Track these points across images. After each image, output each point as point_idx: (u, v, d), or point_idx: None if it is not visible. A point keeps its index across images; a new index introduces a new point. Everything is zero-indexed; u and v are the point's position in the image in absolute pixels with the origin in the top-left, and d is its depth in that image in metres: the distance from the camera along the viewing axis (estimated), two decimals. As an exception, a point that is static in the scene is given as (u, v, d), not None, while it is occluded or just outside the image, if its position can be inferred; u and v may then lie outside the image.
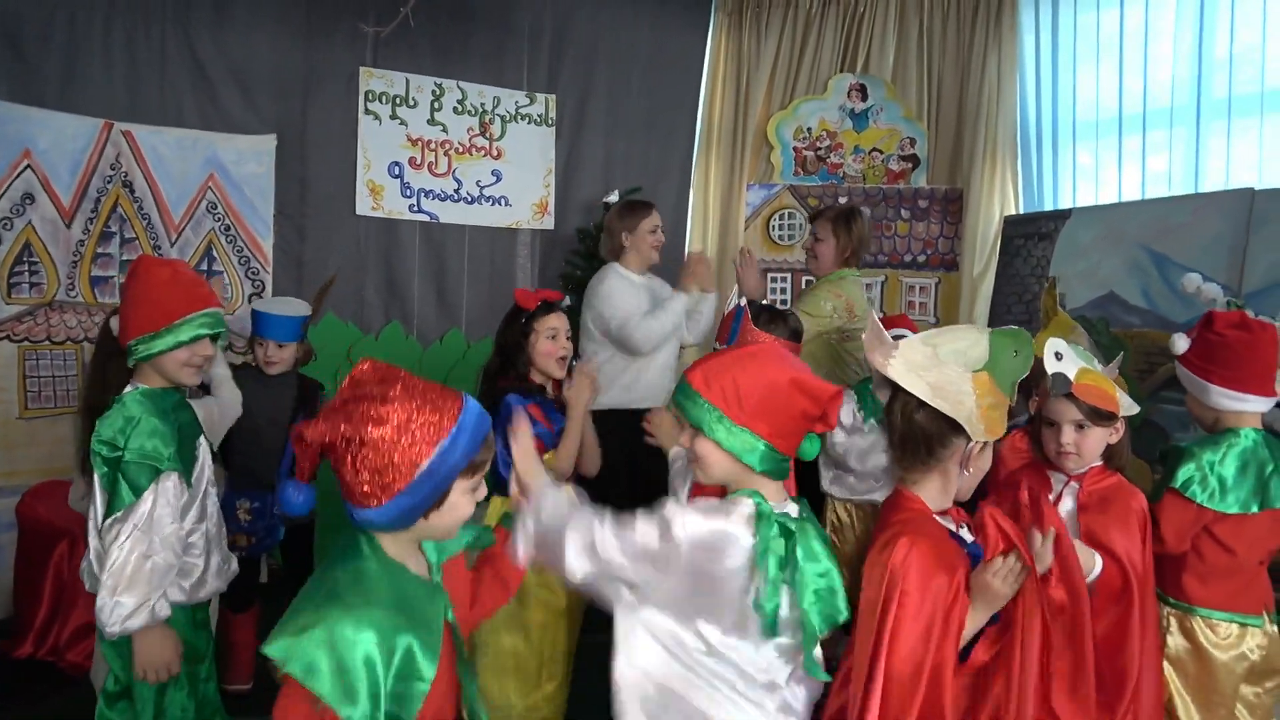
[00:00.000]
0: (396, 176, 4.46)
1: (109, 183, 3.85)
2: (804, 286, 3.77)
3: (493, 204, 4.67)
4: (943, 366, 1.57)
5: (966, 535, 1.66)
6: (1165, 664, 2.18)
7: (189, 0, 3.99)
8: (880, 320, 3.27)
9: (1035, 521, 1.75)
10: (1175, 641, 2.23)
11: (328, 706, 1.22)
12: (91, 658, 3.03)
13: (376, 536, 1.39)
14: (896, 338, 3.41)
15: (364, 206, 4.40)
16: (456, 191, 4.59)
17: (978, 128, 4.73)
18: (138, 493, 1.91)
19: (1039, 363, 2.16)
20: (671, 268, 3.78)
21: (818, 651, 1.53)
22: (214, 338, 2.11)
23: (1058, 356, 2.06)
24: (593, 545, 1.48)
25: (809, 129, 5.05)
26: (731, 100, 5.14)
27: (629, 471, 3.07)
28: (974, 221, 4.75)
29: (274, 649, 1.23)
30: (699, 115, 5.16)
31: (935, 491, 1.65)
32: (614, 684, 1.53)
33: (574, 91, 4.83)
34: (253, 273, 4.19)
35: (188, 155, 4.02)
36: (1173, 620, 2.25)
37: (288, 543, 3.21)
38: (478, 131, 4.62)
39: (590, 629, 2.66)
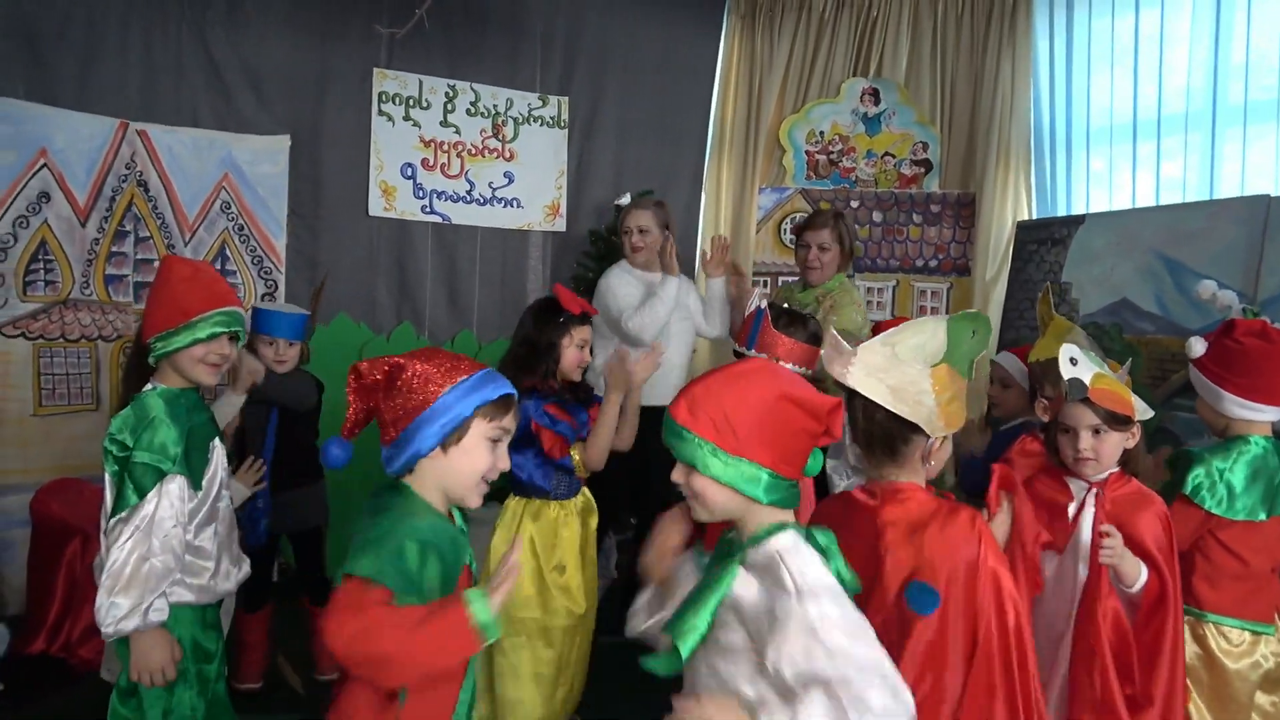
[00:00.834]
0: (409, 178, 4.47)
1: (124, 182, 3.87)
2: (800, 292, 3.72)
3: (505, 206, 4.67)
4: (902, 367, 1.56)
5: None
6: None
7: (205, 1, 4.01)
8: (878, 325, 3.28)
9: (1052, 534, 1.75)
10: (1189, 649, 2.22)
11: (382, 587, 1.39)
12: (103, 654, 3.06)
13: (410, 484, 1.56)
14: None
15: (377, 207, 4.42)
16: (469, 193, 4.60)
17: (991, 132, 4.71)
18: (142, 494, 1.92)
19: (1056, 369, 2.16)
20: (685, 269, 3.82)
21: None
22: (233, 338, 2.12)
23: (1073, 362, 2.05)
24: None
25: (821, 132, 5.05)
26: (744, 103, 5.14)
27: (646, 471, 3.08)
28: (986, 226, 4.73)
29: (356, 566, 1.41)
30: (711, 118, 5.16)
31: (916, 479, 1.65)
32: None
33: (586, 94, 4.84)
34: (265, 272, 4.20)
35: (202, 155, 4.04)
36: (1186, 627, 2.25)
37: (300, 545, 3.22)
38: (490, 133, 4.63)
39: (604, 631, 2.67)
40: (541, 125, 4.75)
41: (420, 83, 4.47)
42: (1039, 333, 4.05)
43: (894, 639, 1.45)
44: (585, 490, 2.71)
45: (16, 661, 3.16)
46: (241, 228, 4.14)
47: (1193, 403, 2.61)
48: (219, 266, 4.09)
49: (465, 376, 1.54)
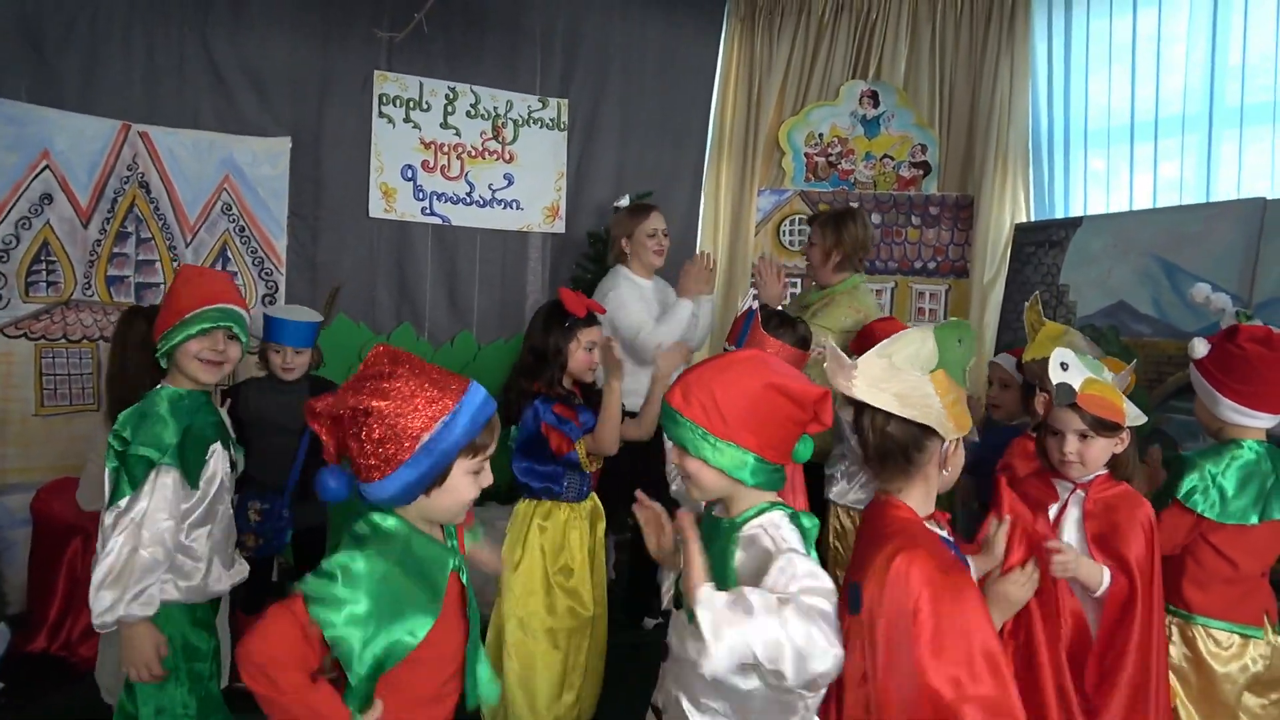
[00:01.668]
0: (409, 179, 4.49)
1: (126, 183, 3.89)
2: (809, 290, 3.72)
3: (504, 207, 4.69)
4: (901, 374, 1.57)
5: (949, 538, 1.67)
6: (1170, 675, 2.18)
7: (207, 3, 4.03)
8: (871, 325, 3.28)
9: (1029, 540, 1.75)
10: (1177, 650, 2.24)
11: (313, 621, 1.34)
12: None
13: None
14: None
15: (377, 209, 4.44)
16: (469, 195, 4.62)
17: (989, 135, 4.73)
18: (135, 485, 1.95)
19: (1046, 371, 2.17)
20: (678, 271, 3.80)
21: None
22: (232, 336, 2.15)
23: (1063, 367, 2.07)
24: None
25: (820, 135, 5.06)
26: (743, 106, 5.16)
27: (641, 476, 3.09)
28: (985, 228, 4.75)
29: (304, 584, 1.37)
30: (711, 120, 5.18)
31: (920, 497, 1.63)
32: None
33: (586, 96, 4.86)
34: (266, 273, 4.23)
35: (203, 157, 4.06)
36: (1175, 629, 2.26)
37: (300, 545, 3.24)
38: (490, 135, 4.65)
39: (617, 630, 2.69)
40: (541, 127, 4.77)
41: (421, 85, 4.49)
42: (1028, 340, 4.10)
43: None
44: (594, 495, 2.73)
45: (18, 660, 3.18)
46: (243, 229, 4.17)
47: (1189, 405, 2.63)
48: (219, 267, 4.11)
49: (445, 414, 1.40)
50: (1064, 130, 4.55)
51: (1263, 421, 2.28)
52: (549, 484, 2.59)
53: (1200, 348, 2.34)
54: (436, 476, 1.44)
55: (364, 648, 1.36)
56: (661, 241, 3.61)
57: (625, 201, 4.40)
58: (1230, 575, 2.24)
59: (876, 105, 5.00)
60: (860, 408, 1.61)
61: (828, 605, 1.38)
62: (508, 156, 4.70)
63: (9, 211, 3.61)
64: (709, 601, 1.33)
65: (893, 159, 5.02)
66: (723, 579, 1.47)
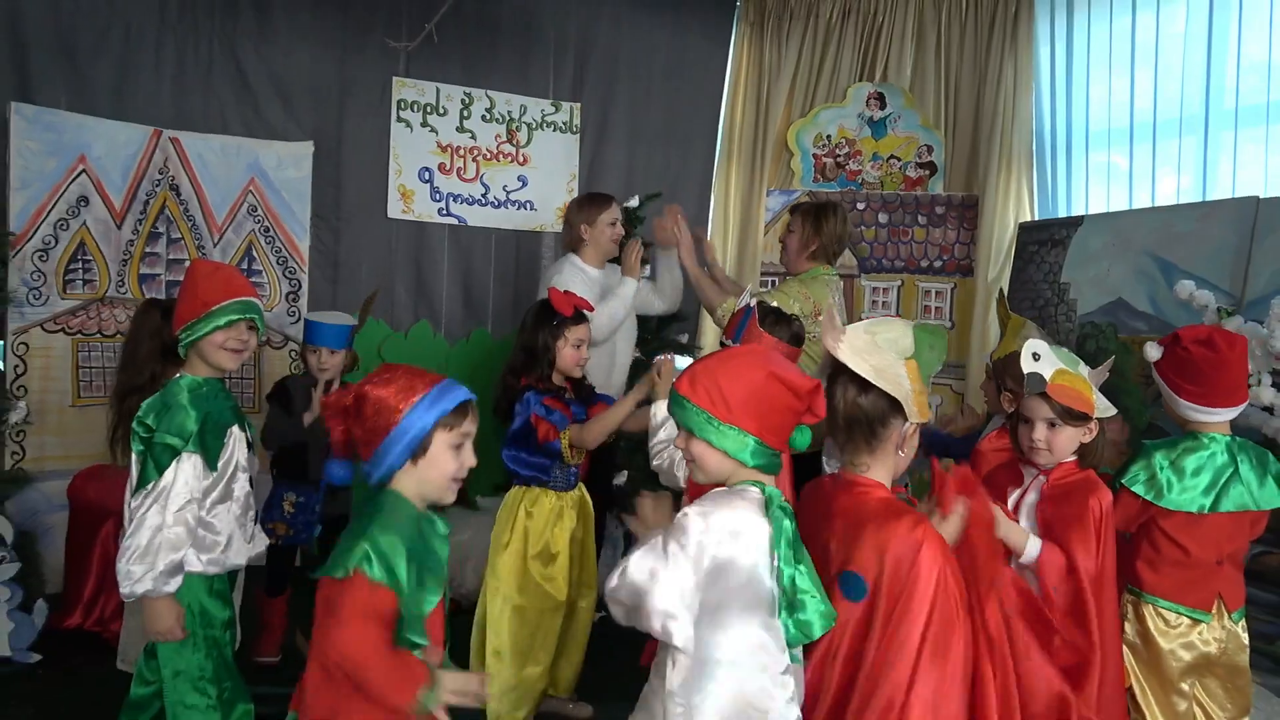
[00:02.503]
0: (427, 181, 4.66)
1: (157, 186, 4.10)
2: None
3: (518, 208, 4.85)
4: (882, 352, 1.70)
5: None
6: (1125, 650, 2.28)
7: (234, 14, 4.23)
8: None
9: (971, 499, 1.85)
10: (1130, 627, 2.33)
11: (375, 582, 1.55)
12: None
13: (392, 490, 1.71)
14: None
15: (395, 210, 4.61)
16: (484, 196, 4.78)
17: (994, 136, 4.81)
18: (160, 471, 2.12)
19: (1016, 364, 2.27)
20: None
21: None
22: (252, 326, 2.31)
23: (1035, 357, 2.16)
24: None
25: (828, 136, 5.16)
26: (752, 108, 5.27)
27: (604, 463, 3.21)
28: (989, 228, 4.82)
29: (330, 569, 1.57)
30: (720, 123, 5.29)
31: (884, 475, 1.74)
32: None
33: (598, 100, 5.00)
34: (290, 272, 4.41)
35: (230, 161, 4.25)
36: (1129, 606, 2.35)
37: (324, 535, 3.41)
38: (505, 138, 4.81)
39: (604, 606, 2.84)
40: (554, 130, 4.92)
41: (437, 90, 4.66)
42: (1051, 328, 4.17)
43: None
44: (582, 486, 2.87)
45: (55, 635, 3.38)
46: (267, 229, 4.35)
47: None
48: (245, 267, 4.31)
49: (421, 395, 1.68)
50: (1066, 131, 4.62)
51: (1220, 416, 2.36)
52: (537, 473, 2.74)
53: (1153, 351, 2.42)
54: (419, 445, 1.67)
55: (410, 598, 1.61)
56: (619, 231, 3.61)
57: (635, 202, 4.53)
58: (1181, 559, 2.32)
59: (883, 107, 5.10)
60: (833, 378, 1.74)
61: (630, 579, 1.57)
62: (521, 159, 4.85)
63: (48, 213, 3.81)
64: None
65: (899, 160, 5.11)
66: None
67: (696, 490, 1.78)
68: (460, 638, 2.47)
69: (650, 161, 5.10)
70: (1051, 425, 2.16)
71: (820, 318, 3.51)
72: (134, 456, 2.18)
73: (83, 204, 3.90)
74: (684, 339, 4.51)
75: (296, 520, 3.28)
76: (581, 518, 2.84)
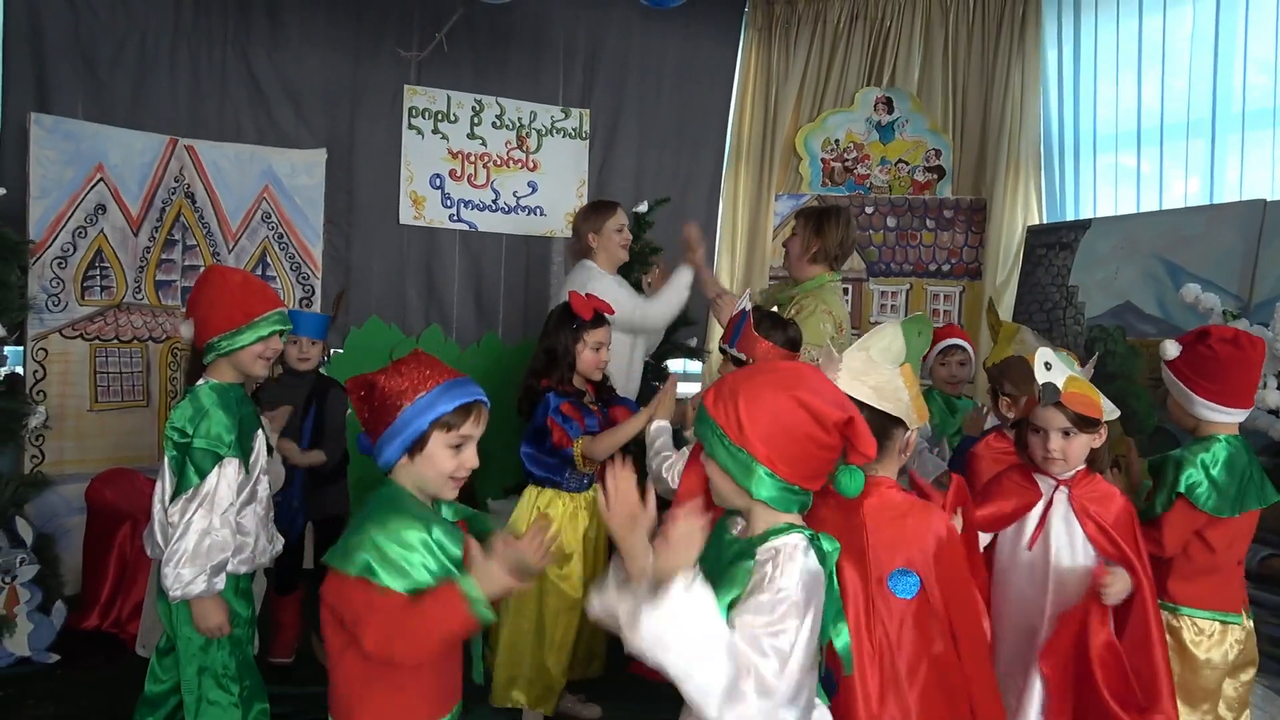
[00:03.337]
0: (438, 188, 4.71)
1: (173, 194, 4.16)
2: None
3: (528, 214, 4.90)
4: (878, 368, 1.72)
5: None
6: None
7: (247, 24, 4.29)
8: (935, 330, 3.43)
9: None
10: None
11: (385, 587, 1.53)
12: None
13: (394, 480, 1.72)
14: (950, 347, 3.51)
15: (407, 216, 4.67)
16: (494, 202, 4.83)
17: (1001, 139, 4.82)
18: (202, 475, 2.17)
19: (1016, 370, 2.28)
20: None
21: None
22: (282, 334, 2.38)
23: (1047, 367, 2.13)
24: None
25: (836, 141, 5.19)
26: (760, 113, 5.30)
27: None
28: (997, 231, 4.84)
29: (333, 558, 1.57)
30: (729, 128, 5.32)
31: (891, 474, 1.78)
32: None
33: (607, 106, 5.04)
34: (303, 278, 4.47)
35: (245, 168, 4.31)
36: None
37: (322, 534, 3.46)
38: (515, 145, 4.86)
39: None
40: (564, 136, 4.96)
41: (448, 98, 4.71)
42: (1058, 332, 4.18)
43: (867, 607, 1.67)
44: (597, 487, 2.90)
45: (72, 636, 3.43)
46: (281, 236, 4.41)
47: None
48: (260, 272, 4.36)
49: (425, 392, 1.65)
50: (1074, 134, 4.63)
51: (1235, 416, 2.38)
52: (550, 474, 2.78)
53: (1171, 349, 2.43)
54: (416, 441, 1.67)
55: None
56: (627, 237, 3.61)
57: (644, 208, 4.55)
58: (1211, 565, 2.33)
59: (891, 111, 5.12)
60: None
61: (763, 664, 1.31)
62: (531, 165, 4.90)
63: (66, 221, 3.88)
64: (676, 594, 1.27)
65: (907, 164, 5.13)
66: (726, 592, 1.41)
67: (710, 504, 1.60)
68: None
69: (659, 167, 5.14)
70: (1066, 434, 2.13)
71: (842, 330, 3.53)
72: (166, 462, 2.23)
73: (100, 212, 3.97)
74: (693, 343, 4.53)
75: (278, 519, 3.28)
76: (595, 518, 2.87)
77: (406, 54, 4.03)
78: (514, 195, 4.87)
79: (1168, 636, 2.33)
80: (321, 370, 3.50)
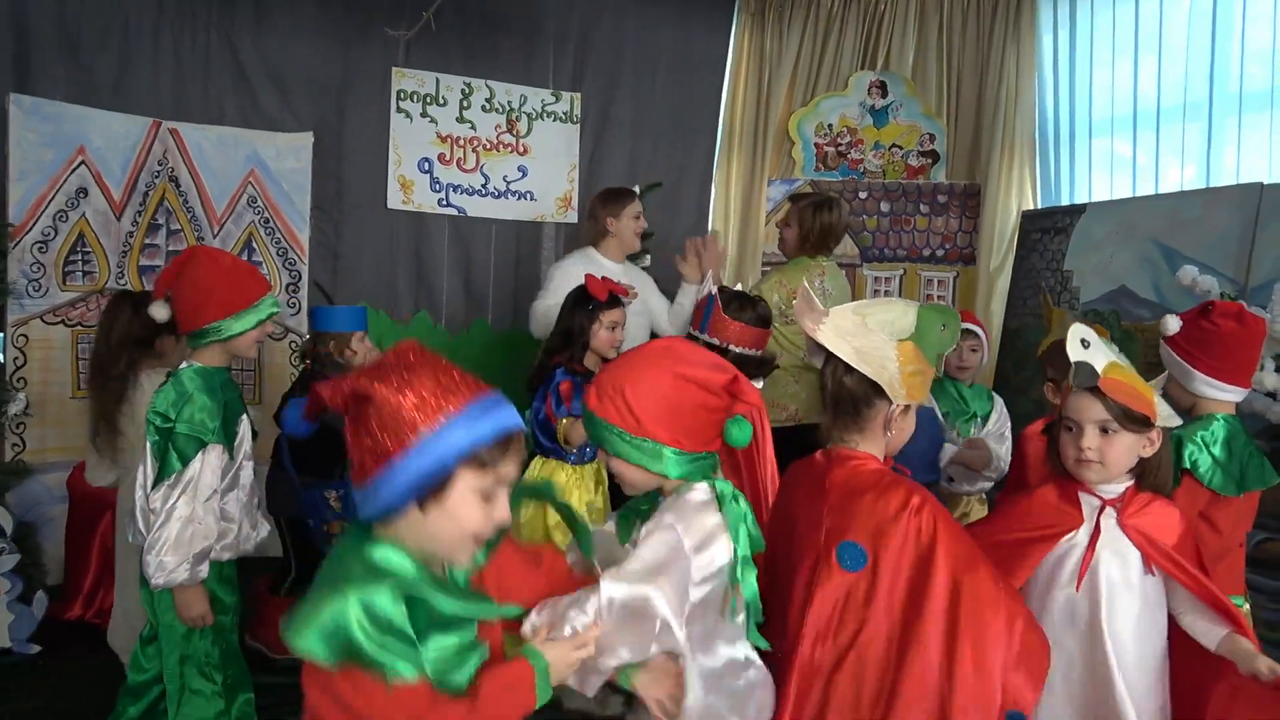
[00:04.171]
0: (426, 172, 4.65)
1: (156, 178, 4.09)
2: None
3: (518, 198, 4.84)
4: (869, 334, 1.66)
5: None
6: None
7: (232, 6, 4.22)
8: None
9: None
10: None
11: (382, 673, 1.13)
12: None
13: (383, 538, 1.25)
14: (965, 332, 3.48)
15: (395, 201, 4.60)
16: (484, 186, 4.77)
17: (996, 124, 4.78)
18: (185, 461, 2.13)
19: (1064, 355, 2.00)
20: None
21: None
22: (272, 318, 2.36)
23: (1084, 344, 1.80)
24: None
25: (830, 125, 5.14)
26: (754, 97, 5.25)
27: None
28: (992, 216, 4.80)
29: (299, 643, 1.13)
30: (721, 112, 5.27)
31: (875, 450, 1.70)
32: None
33: (598, 90, 4.98)
34: (290, 263, 4.41)
35: (230, 152, 4.24)
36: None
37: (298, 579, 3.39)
38: (505, 129, 4.80)
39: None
40: (554, 120, 4.90)
41: (437, 81, 4.65)
42: (1044, 328, 4.15)
43: (809, 582, 1.63)
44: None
45: (55, 626, 3.39)
46: (267, 221, 4.35)
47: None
48: (245, 257, 4.30)
49: (451, 413, 1.18)
50: (1069, 118, 4.59)
51: (1234, 395, 2.34)
52: (555, 444, 2.81)
53: (1172, 324, 2.37)
54: (434, 484, 1.19)
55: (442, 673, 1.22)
56: (642, 225, 3.76)
57: (636, 191, 4.53)
58: (1220, 550, 2.26)
59: (885, 95, 5.07)
60: (827, 356, 1.69)
61: (624, 590, 1.39)
62: (521, 149, 4.84)
63: (47, 204, 3.81)
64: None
65: (901, 148, 5.09)
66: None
67: None
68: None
69: (652, 151, 5.08)
70: (1105, 431, 1.78)
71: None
72: (148, 447, 2.18)
73: (82, 195, 3.90)
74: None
75: (347, 514, 3.23)
76: (600, 488, 2.91)
77: (394, 33, 3.96)
78: (504, 180, 4.81)
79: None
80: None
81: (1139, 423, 1.77)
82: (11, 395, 3.62)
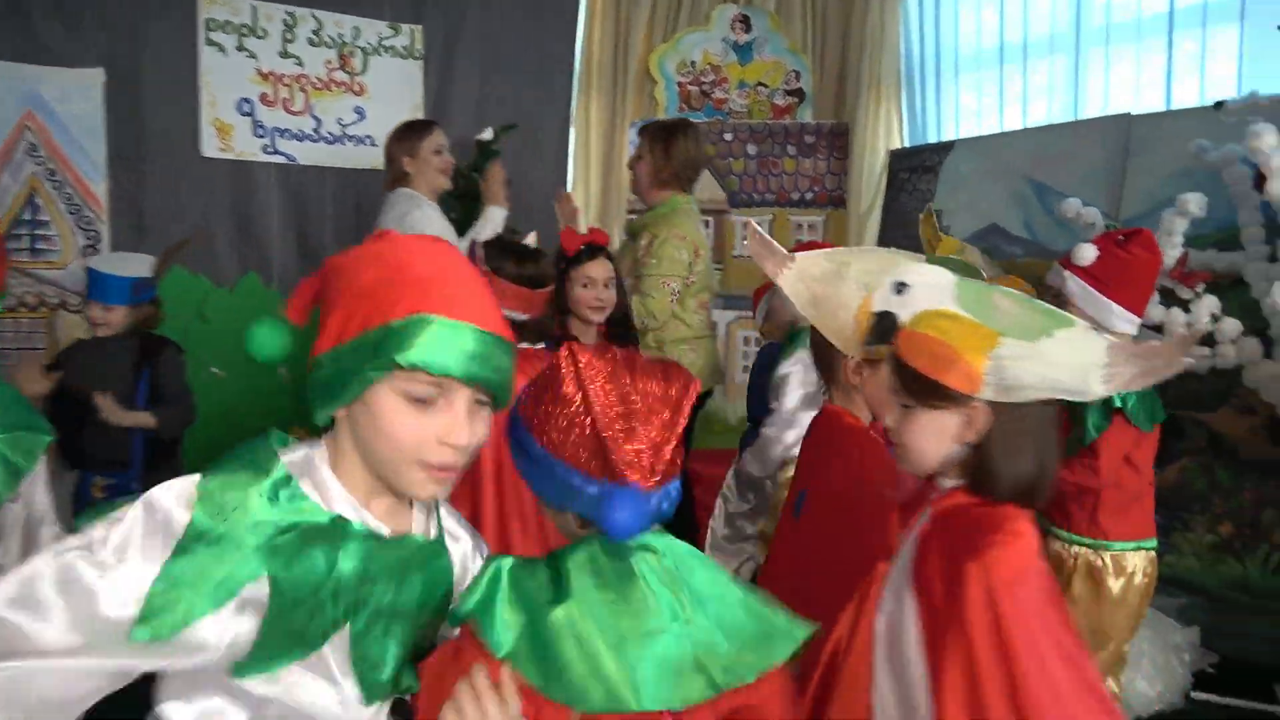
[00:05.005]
0: (247, 114, 4.09)
1: (-96, 122, 3.40)
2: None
3: (357, 144, 4.34)
4: (839, 283, 1.35)
5: None
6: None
7: (-9, -86, 3.52)
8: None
9: None
10: (1080, 584, 2.18)
11: None
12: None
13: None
14: None
15: (210, 148, 4.03)
16: (316, 131, 4.25)
17: (862, 60, 4.66)
18: None
19: None
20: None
21: None
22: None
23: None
24: None
25: (692, 62, 4.88)
26: (610, 33, 4.93)
27: None
28: (860, 156, 4.70)
29: None
30: (578, 49, 4.90)
31: (849, 405, 1.71)
32: None
33: (442, 22, 4.50)
34: (86, 223, 3.79)
35: (0, 90, 3.58)
36: (1078, 559, 2.20)
37: None
38: (337, 65, 4.27)
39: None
40: (394, 56, 4.40)
41: (254, 9, 4.07)
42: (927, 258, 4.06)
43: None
44: None
45: None
46: (53, 173, 3.71)
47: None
48: (29, 218, 3.68)
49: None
50: (935, 53, 4.50)
51: (1135, 327, 2.24)
52: None
53: (1089, 253, 2.17)
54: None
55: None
56: (447, 160, 3.29)
57: (489, 135, 4.15)
58: (1139, 489, 2.20)
59: (749, 30, 4.85)
60: None
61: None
62: (357, 88, 4.33)
63: None
64: None
65: (766, 86, 4.89)
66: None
67: None
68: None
69: (504, 92, 4.65)
70: (903, 407, 1.22)
71: (699, 255, 3.26)
72: None
73: None
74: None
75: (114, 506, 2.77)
76: None
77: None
78: (338, 123, 4.29)
79: (1089, 579, 2.18)
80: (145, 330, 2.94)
81: (934, 395, 1.18)
82: None
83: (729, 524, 2.79)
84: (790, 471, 2.17)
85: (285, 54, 4.16)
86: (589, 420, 0.99)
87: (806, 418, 1.93)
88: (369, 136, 4.35)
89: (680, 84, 4.89)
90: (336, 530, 1.01)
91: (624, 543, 1.01)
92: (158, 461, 2.85)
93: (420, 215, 3.16)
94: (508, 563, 1.02)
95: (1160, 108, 3.55)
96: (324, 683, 1.01)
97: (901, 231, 4.37)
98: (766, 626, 1.04)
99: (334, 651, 1.01)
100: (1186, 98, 3.47)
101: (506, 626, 0.97)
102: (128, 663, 0.95)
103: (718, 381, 3.56)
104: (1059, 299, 2.21)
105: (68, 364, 2.79)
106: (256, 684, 0.98)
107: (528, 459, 1.05)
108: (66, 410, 2.64)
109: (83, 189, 3.77)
